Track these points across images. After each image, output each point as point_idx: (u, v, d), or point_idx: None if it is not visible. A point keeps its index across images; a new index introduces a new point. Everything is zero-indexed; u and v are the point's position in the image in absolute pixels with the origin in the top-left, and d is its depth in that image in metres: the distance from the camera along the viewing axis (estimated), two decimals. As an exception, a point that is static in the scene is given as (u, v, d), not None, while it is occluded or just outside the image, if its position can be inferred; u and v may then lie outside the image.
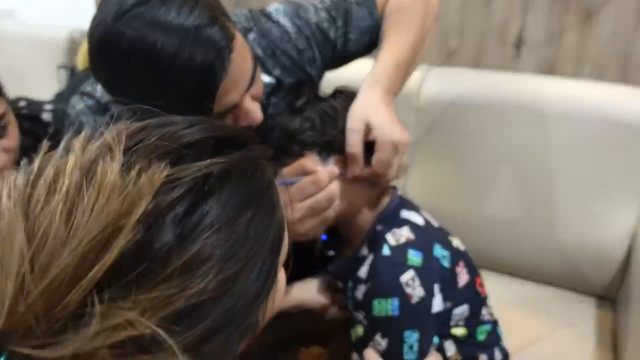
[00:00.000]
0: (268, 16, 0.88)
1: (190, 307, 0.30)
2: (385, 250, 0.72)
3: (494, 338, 0.82)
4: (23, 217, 0.28)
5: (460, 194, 1.25)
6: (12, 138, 0.84)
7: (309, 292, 0.86)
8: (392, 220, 0.76)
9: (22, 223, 0.28)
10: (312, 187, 0.70)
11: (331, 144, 0.76)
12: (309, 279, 0.88)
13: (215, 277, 0.31)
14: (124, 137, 0.33)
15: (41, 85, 1.83)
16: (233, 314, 0.33)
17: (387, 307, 0.70)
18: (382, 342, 0.70)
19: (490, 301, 0.85)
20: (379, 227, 0.76)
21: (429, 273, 0.71)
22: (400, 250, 0.72)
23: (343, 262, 0.80)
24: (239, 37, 0.67)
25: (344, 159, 0.75)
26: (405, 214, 0.78)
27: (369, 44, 0.92)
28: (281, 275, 0.43)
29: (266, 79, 0.86)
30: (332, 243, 0.87)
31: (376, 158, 0.73)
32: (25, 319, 0.26)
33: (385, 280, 0.71)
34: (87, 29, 0.65)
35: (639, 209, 1.13)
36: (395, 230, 0.74)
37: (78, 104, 0.84)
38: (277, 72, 0.87)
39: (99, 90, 0.84)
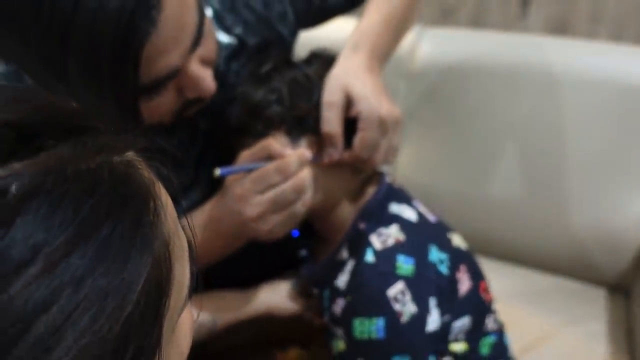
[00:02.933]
0: None
1: None
2: (369, 256, 0.59)
3: (500, 350, 0.70)
4: None
5: (458, 172, 1.17)
6: None
7: (278, 297, 0.73)
8: (378, 216, 0.63)
9: None
10: (276, 175, 0.57)
11: (303, 121, 0.63)
12: (280, 281, 0.75)
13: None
14: None
15: None
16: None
17: (370, 328, 0.57)
18: None
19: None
20: (361, 225, 0.63)
21: (422, 284, 0.59)
22: (387, 256, 0.59)
23: (318, 266, 0.67)
24: None
25: (320, 140, 0.62)
26: (395, 207, 0.64)
27: None
28: (184, 322, 0.31)
29: (224, 38, 0.72)
30: (305, 241, 0.74)
31: (359, 138, 0.60)
32: None
33: (368, 294, 0.58)
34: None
35: None
36: (382, 229, 0.61)
37: None
38: (238, 30, 0.73)
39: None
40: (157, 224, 0.24)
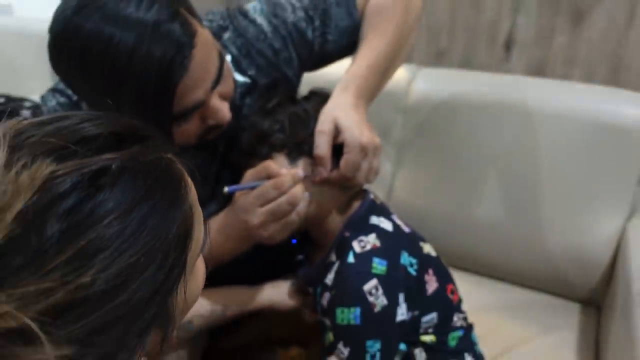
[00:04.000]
0: (244, 15, 0.87)
1: (75, 300, 0.30)
2: (350, 258, 0.72)
3: (467, 344, 0.81)
4: None
5: (447, 196, 1.25)
6: None
7: (279, 294, 0.86)
8: (360, 226, 0.76)
9: None
10: (274, 191, 0.69)
11: (301, 146, 0.75)
12: (281, 280, 0.88)
13: (105, 271, 0.31)
14: (12, 133, 0.33)
15: (36, 80, 1.85)
16: (128, 308, 0.33)
17: (349, 315, 0.69)
18: (344, 351, 0.70)
19: (474, 305, 0.85)
20: (346, 233, 0.75)
21: (393, 282, 0.70)
22: (364, 257, 0.71)
23: (313, 268, 0.80)
24: (202, 33, 0.67)
25: (314, 162, 0.75)
26: (375, 219, 0.77)
27: (350, 45, 0.90)
28: (199, 269, 0.44)
29: (240, 78, 0.86)
30: (302, 248, 0.87)
31: (344, 160, 0.72)
32: None
33: (348, 288, 0.70)
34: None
35: (626, 213, 1.13)
36: (362, 237, 0.74)
37: (50, 100, 0.84)
38: (252, 71, 0.86)
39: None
40: (185, 195, 0.38)
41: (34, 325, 0.29)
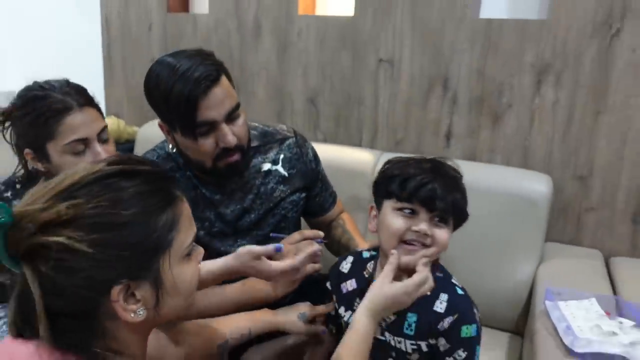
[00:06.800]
0: (305, 140, 1.30)
1: (110, 223, 0.60)
2: None
3: None
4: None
5: None
6: (109, 150, 1.15)
7: (291, 319, 1.11)
8: None
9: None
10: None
11: None
12: (293, 307, 1.14)
13: (117, 212, 0.61)
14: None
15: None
16: (137, 236, 0.62)
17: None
18: None
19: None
20: None
21: None
22: None
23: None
24: (225, 83, 1.05)
25: None
26: None
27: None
28: (191, 267, 0.70)
29: (282, 171, 1.24)
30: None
31: None
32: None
33: None
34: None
35: (537, 262, 1.47)
36: None
37: (151, 155, 1.20)
38: (292, 171, 1.25)
39: (165, 146, 1.20)
40: (177, 204, 0.67)
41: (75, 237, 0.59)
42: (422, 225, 0.90)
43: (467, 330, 0.91)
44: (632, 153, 1.50)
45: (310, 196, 1.30)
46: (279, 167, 1.22)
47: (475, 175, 1.48)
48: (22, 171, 1.19)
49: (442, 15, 1.64)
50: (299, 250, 1.06)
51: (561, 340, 1.08)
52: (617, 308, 1.18)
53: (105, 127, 1.14)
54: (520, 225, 1.48)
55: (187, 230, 0.69)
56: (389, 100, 1.78)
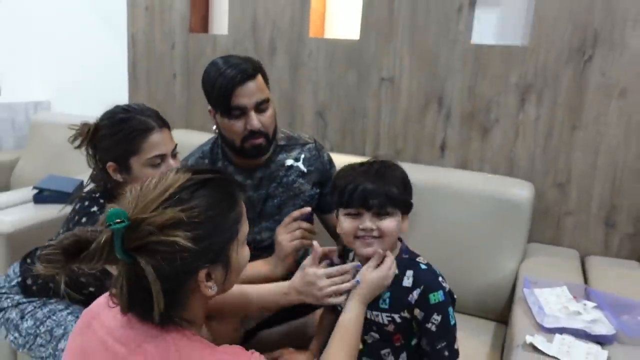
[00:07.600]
0: (322, 147, 1.51)
1: (203, 222, 0.75)
2: None
3: None
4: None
5: None
6: (177, 163, 1.32)
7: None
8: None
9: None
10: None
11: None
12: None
13: (207, 214, 0.76)
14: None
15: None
16: (218, 231, 0.77)
17: None
18: None
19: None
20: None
21: None
22: None
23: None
24: (260, 81, 1.29)
25: None
26: None
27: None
28: (246, 250, 0.86)
29: (302, 167, 1.44)
30: None
31: None
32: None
33: None
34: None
35: (520, 259, 1.65)
36: None
37: (197, 152, 1.44)
38: (310, 168, 1.45)
39: (204, 148, 1.46)
40: (239, 202, 0.84)
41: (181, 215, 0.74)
42: (367, 223, 1.06)
43: (435, 297, 1.04)
44: (604, 163, 1.70)
45: (322, 193, 1.50)
46: (300, 164, 1.43)
47: (467, 182, 1.70)
48: (92, 185, 1.33)
49: (438, 40, 1.85)
50: (293, 236, 1.29)
51: (535, 319, 1.26)
52: (585, 294, 1.36)
53: (176, 145, 1.33)
54: (505, 227, 1.65)
55: (245, 221, 0.86)
56: (390, 115, 1.97)
